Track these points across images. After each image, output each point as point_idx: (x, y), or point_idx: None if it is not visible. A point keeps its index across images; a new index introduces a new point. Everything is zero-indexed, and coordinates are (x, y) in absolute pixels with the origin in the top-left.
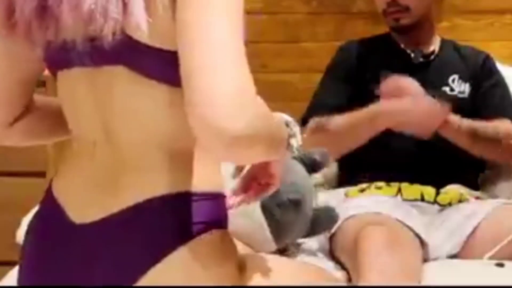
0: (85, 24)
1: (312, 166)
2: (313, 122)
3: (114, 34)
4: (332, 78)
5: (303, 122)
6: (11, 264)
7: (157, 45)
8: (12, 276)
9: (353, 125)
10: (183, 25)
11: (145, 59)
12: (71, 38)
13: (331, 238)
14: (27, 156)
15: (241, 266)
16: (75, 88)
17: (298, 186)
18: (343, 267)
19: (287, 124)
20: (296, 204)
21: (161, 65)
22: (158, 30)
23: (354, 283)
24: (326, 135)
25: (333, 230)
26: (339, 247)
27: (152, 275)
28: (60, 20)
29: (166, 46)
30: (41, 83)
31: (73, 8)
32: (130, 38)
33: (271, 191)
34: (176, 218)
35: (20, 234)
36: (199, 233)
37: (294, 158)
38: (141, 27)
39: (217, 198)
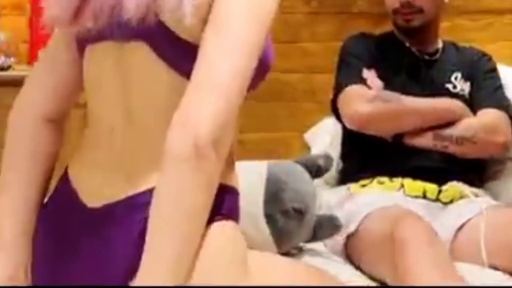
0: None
1: (316, 171)
2: (375, 91)
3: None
4: (351, 59)
5: (336, 95)
6: None
7: (182, 35)
8: None
9: (423, 111)
10: (206, 44)
11: (168, 45)
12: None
13: (346, 241)
14: None
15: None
16: (101, 65)
17: (302, 194)
18: (356, 265)
19: None
20: (300, 213)
21: (180, 54)
22: (187, 22)
23: (391, 280)
24: (394, 109)
25: (351, 230)
26: (365, 245)
27: None
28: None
29: (190, 38)
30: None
31: None
32: (159, 20)
33: None
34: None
35: None
36: (212, 220)
37: (297, 162)
38: (187, 19)
39: (231, 192)
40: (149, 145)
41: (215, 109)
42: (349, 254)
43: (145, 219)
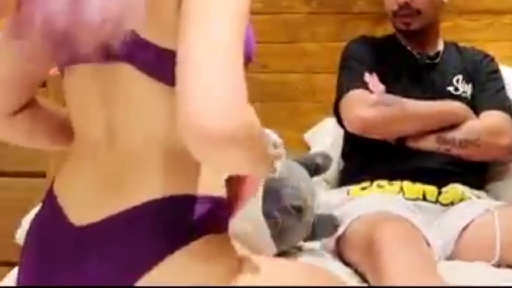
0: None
1: (314, 169)
2: (377, 95)
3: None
4: (353, 63)
5: (339, 98)
6: (11, 264)
7: (164, 45)
8: (12, 276)
9: (426, 114)
10: (185, 23)
11: (150, 58)
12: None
13: (339, 240)
14: (27, 156)
15: (239, 269)
16: (82, 84)
17: (300, 192)
18: (350, 266)
19: (274, 145)
20: (298, 210)
21: (165, 65)
22: (165, 30)
23: (371, 282)
24: (397, 113)
25: (340, 232)
26: (351, 247)
27: (148, 278)
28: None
29: (171, 46)
30: (42, 83)
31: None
32: (137, 36)
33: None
34: (176, 221)
35: (20, 234)
36: (199, 236)
37: (296, 161)
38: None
39: (217, 202)
40: (135, 162)
41: (224, 78)
42: (340, 255)
43: (132, 237)
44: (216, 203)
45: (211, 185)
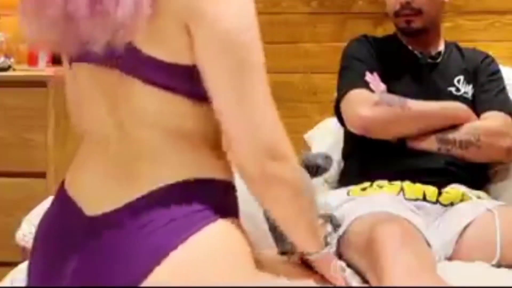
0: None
1: (315, 171)
2: (378, 94)
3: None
4: (354, 62)
5: (340, 97)
6: (11, 264)
7: (162, 57)
8: (12, 276)
9: (427, 115)
10: (221, 82)
11: (150, 70)
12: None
13: (339, 240)
14: (27, 157)
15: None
16: (90, 83)
17: None
18: (350, 266)
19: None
20: None
21: (166, 76)
22: (166, 45)
23: (371, 282)
24: (398, 113)
25: (340, 232)
26: (351, 248)
27: (166, 264)
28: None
29: (171, 59)
30: (42, 84)
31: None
32: (139, 51)
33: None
34: (188, 206)
35: (20, 235)
36: (211, 221)
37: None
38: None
39: (228, 187)
40: (144, 152)
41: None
42: (340, 256)
43: (145, 225)
44: (227, 187)
45: (222, 170)
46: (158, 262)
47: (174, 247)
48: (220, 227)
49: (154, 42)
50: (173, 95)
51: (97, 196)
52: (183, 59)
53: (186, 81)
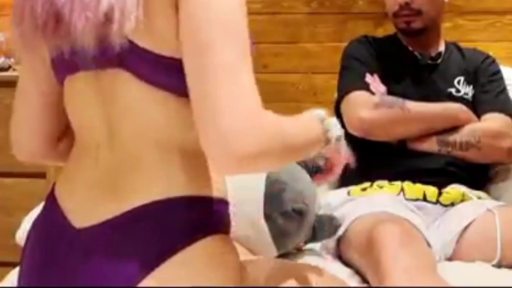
0: (97, 27)
1: (315, 171)
2: (379, 96)
3: (120, 38)
4: (354, 63)
5: (341, 98)
6: (11, 265)
7: (157, 51)
8: (12, 276)
9: (428, 116)
10: (194, 47)
11: (144, 64)
12: (80, 42)
13: (339, 240)
14: None
15: (242, 270)
16: (81, 92)
17: (303, 195)
18: (350, 267)
19: (321, 120)
20: (300, 214)
21: (160, 71)
22: (159, 36)
23: (371, 282)
24: (398, 115)
25: (340, 232)
26: (351, 248)
27: (150, 279)
28: (72, 24)
29: (166, 53)
30: None
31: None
32: (131, 42)
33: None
34: (178, 221)
35: (20, 235)
36: (201, 236)
37: (297, 163)
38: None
39: (218, 204)
40: (136, 164)
41: (241, 99)
42: (340, 256)
43: (132, 239)
44: (217, 204)
45: (213, 186)
46: (145, 276)
47: (162, 261)
48: (210, 243)
49: (146, 33)
50: (164, 92)
51: (85, 207)
52: (172, 51)
53: (180, 79)
